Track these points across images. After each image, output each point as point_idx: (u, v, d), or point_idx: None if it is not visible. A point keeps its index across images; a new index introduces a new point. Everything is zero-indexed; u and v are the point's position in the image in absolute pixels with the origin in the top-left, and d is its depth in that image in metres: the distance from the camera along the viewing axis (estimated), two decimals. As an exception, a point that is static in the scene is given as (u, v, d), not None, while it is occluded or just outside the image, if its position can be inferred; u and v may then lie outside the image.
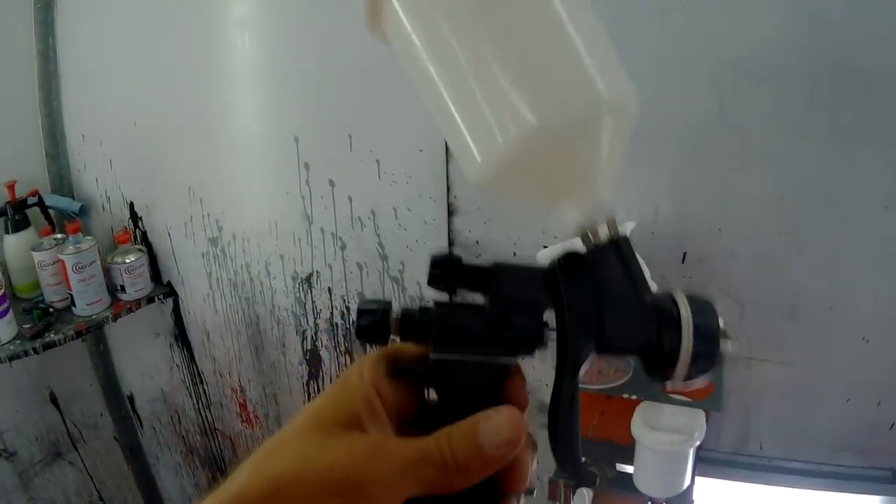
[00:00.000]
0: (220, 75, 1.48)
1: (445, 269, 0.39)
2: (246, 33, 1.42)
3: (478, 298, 0.39)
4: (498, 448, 0.34)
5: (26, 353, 1.61)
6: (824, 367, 1.11)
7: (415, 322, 0.38)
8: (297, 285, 1.59)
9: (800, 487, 1.19)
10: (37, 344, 1.63)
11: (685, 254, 1.13)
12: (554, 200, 0.40)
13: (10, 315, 1.64)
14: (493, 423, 0.35)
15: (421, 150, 1.29)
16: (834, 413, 1.14)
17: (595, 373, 1.12)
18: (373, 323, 0.38)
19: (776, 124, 1.01)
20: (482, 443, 0.34)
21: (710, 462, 1.23)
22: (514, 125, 0.35)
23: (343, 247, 1.47)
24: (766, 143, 1.02)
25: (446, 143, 1.26)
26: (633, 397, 1.09)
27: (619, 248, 0.38)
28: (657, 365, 0.37)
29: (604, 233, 0.38)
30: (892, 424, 1.10)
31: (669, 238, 1.13)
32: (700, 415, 1.06)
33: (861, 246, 1.02)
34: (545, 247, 1.22)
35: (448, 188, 1.30)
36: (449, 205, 1.31)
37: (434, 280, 0.39)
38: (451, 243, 1.34)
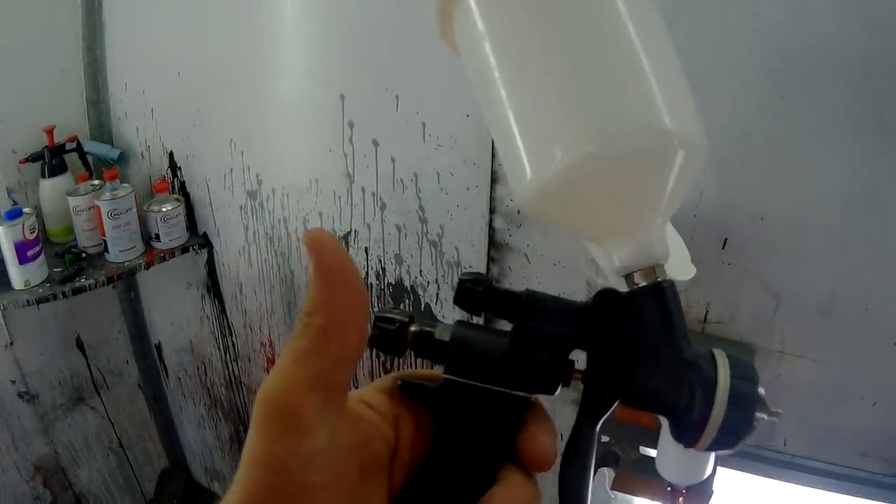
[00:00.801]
0: (267, 31, 1.47)
1: (473, 291, 0.37)
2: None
3: (505, 325, 0.37)
4: None
5: (55, 297, 1.63)
6: (855, 368, 1.10)
7: (432, 339, 0.36)
8: (334, 244, 1.58)
9: (821, 488, 1.18)
10: (66, 288, 1.64)
11: (726, 240, 1.12)
12: (602, 235, 0.37)
13: (42, 258, 1.66)
14: None
15: (468, 116, 1.28)
16: (860, 416, 1.12)
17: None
18: (388, 332, 0.36)
19: (826, 119, 0.99)
20: None
21: (733, 454, 1.22)
22: (574, 142, 0.33)
23: (383, 207, 1.46)
24: (814, 137, 1.00)
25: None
26: None
27: (662, 293, 0.35)
28: (683, 428, 0.34)
29: (649, 276, 0.35)
30: (919, 436, 1.09)
31: (711, 223, 1.12)
32: None
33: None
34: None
35: (493, 155, 1.28)
36: (493, 172, 1.30)
37: (461, 300, 0.37)
38: (492, 210, 1.33)
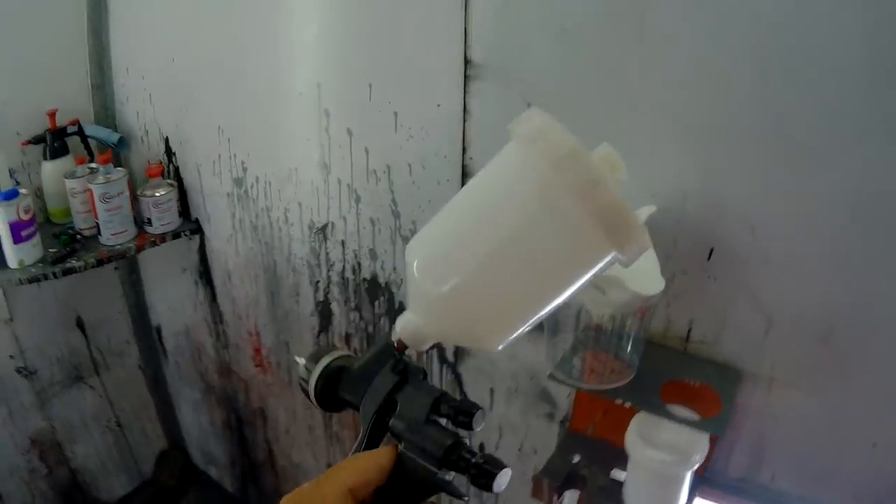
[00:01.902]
0: (254, 16, 1.46)
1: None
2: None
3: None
4: None
5: (45, 277, 1.65)
6: (854, 403, 0.97)
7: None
8: (313, 235, 1.57)
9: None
10: (57, 269, 1.66)
11: (712, 250, 1.01)
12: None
13: (37, 238, 1.68)
14: None
15: (439, 106, 1.23)
16: (858, 456, 1.00)
17: (588, 371, 1.04)
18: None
19: (829, 118, 0.86)
20: None
21: (716, 485, 1.12)
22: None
23: (358, 199, 1.43)
24: (815, 138, 0.88)
25: (465, 100, 1.21)
26: (628, 405, 0.99)
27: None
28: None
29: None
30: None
31: (696, 229, 1.02)
32: (703, 436, 0.95)
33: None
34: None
35: (464, 148, 1.24)
36: (464, 166, 1.26)
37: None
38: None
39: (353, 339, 1.61)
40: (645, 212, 1.01)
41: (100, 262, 1.73)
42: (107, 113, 1.93)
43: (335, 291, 1.59)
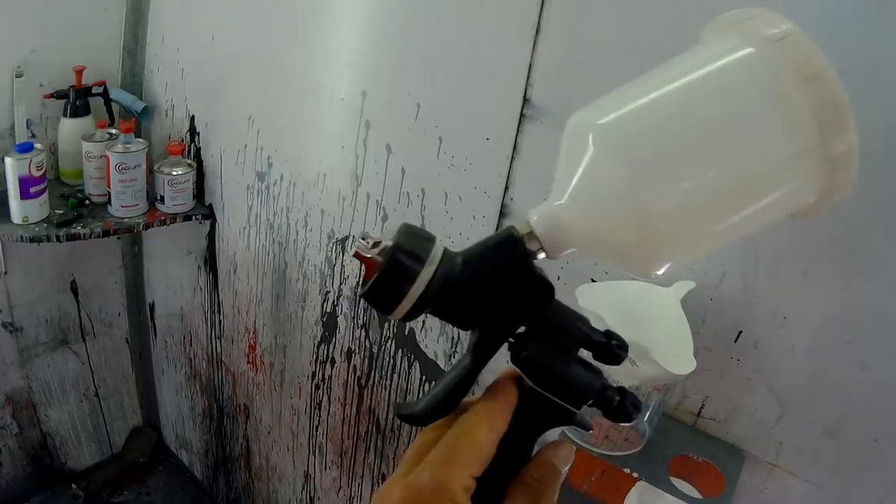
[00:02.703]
0: (305, 11, 1.39)
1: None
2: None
3: None
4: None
5: (48, 239, 1.60)
6: (850, 498, 0.97)
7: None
8: (331, 245, 1.50)
9: None
10: (61, 232, 1.61)
11: (740, 333, 1.00)
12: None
13: (45, 197, 1.63)
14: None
15: (487, 139, 1.18)
16: None
17: (603, 437, 1.01)
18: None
19: (875, 219, 0.85)
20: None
21: None
22: None
23: (385, 218, 1.37)
24: (860, 237, 0.87)
25: (516, 139, 1.16)
26: (635, 475, 0.98)
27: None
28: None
29: None
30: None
31: (728, 311, 1.01)
32: None
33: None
34: (592, 280, 1.10)
35: (507, 187, 1.18)
36: (503, 205, 1.20)
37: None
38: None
39: (355, 357, 1.55)
40: (684, 287, 1.00)
41: (105, 233, 1.67)
42: (134, 80, 1.87)
43: (345, 305, 1.53)
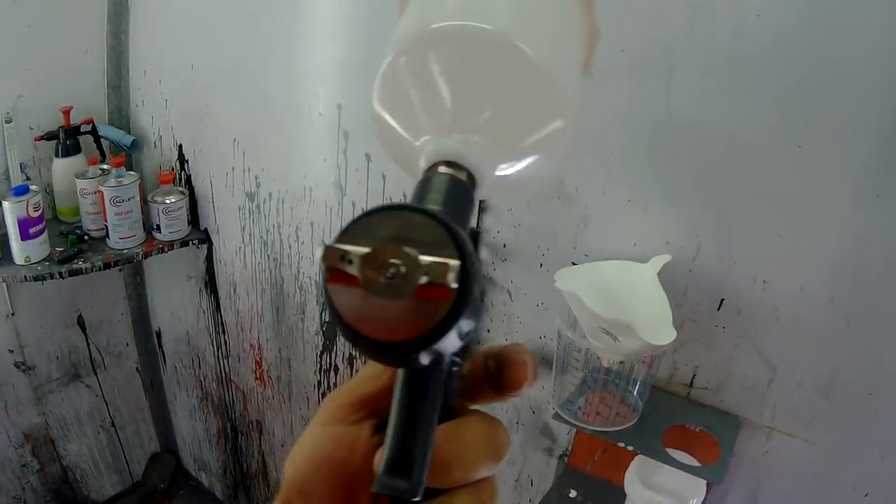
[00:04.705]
0: (278, 32, 1.44)
1: None
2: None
3: None
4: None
5: (51, 276, 1.64)
6: (850, 455, 1.00)
7: None
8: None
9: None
10: (63, 269, 1.65)
11: (722, 301, 1.03)
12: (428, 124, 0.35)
13: (45, 236, 1.67)
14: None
15: (460, 138, 1.22)
16: None
17: (594, 413, 1.05)
18: None
19: (845, 179, 0.88)
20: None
21: None
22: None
23: (372, 225, 1.42)
24: (832, 196, 0.90)
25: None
26: (630, 448, 1.01)
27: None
28: None
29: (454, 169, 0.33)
30: (910, 536, 0.98)
31: (708, 281, 1.04)
32: (700, 481, 0.98)
33: (918, 333, 0.89)
34: (573, 263, 1.14)
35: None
36: (481, 201, 1.24)
37: None
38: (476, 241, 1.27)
39: (357, 362, 1.60)
40: (660, 261, 1.03)
41: (106, 266, 1.71)
42: (121, 114, 1.92)
43: (341, 313, 1.58)
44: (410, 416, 0.29)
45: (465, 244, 0.25)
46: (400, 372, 0.30)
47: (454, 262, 0.24)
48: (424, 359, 0.26)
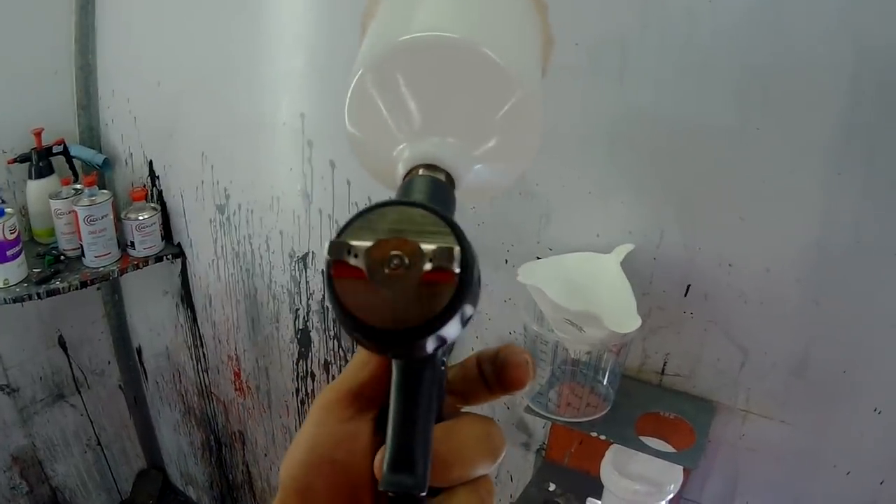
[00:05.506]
0: (241, 44, 1.47)
1: None
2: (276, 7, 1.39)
3: None
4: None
5: (30, 297, 1.65)
6: (828, 433, 1.00)
7: None
8: (294, 263, 1.57)
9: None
10: (41, 289, 1.66)
11: (689, 286, 1.04)
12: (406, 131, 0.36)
13: (22, 258, 1.68)
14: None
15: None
16: (833, 485, 1.02)
17: (565, 404, 1.06)
18: None
19: (806, 156, 0.89)
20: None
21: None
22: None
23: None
24: (793, 176, 0.90)
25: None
26: (603, 437, 1.01)
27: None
28: None
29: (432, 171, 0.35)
30: (894, 508, 0.99)
31: (673, 267, 1.04)
32: (676, 467, 0.98)
33: (888, 307, 0.89)
34: (538, 258, 1.15)
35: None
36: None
37: None
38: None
39: (333, 367, 1.61)
40: (623, 250, 1.04)
41: (83, 284, 1.72)
42: (92, 133, 1.93)
43: (315, 319, 1.60)
44: (409, 413, 0.30)
45: (462, 232, 0.27)
46: (395, 369, 0.31)
47: (456, 248, 0.26)
48: (430, 345, 0.27)
